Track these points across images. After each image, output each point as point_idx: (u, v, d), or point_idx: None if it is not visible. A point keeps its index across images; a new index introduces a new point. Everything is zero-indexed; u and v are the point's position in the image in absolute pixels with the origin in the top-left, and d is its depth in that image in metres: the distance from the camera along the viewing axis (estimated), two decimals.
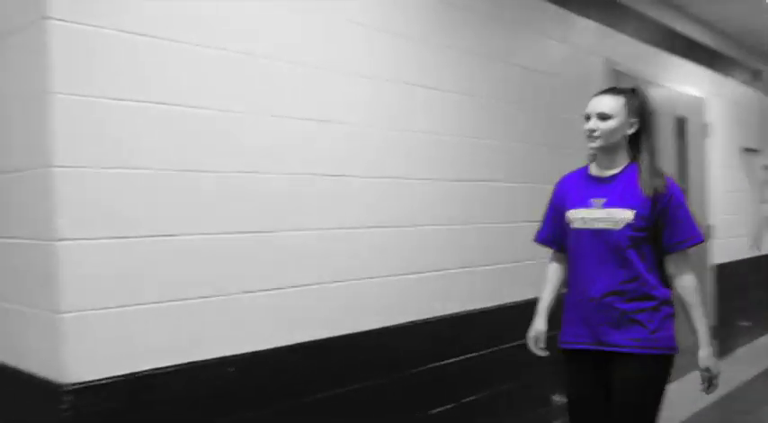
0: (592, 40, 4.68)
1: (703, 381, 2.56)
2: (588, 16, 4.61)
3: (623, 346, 2.52)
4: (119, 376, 2.27)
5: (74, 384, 2.18)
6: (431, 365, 3.40)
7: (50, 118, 2.17)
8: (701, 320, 2.53)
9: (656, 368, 2.52)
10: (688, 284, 2.54)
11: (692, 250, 2.57)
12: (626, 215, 2.51)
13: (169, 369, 2.39)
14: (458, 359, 3.56)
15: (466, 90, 3.64)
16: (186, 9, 2.49)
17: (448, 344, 3.51)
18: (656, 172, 2.54)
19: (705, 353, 2.53)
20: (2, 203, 2.46)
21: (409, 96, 3.32)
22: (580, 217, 2.62)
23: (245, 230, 2.64)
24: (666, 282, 2.57)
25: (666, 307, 2.54)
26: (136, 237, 2.32)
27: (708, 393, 2.59)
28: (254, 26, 2.70)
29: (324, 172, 2.92)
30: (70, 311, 2.17)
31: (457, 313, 3.55)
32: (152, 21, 2.39)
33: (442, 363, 3.46)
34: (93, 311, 2.22)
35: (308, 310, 2.84)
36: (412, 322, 3.31)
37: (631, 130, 2.58)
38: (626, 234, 2.50)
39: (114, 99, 2.29)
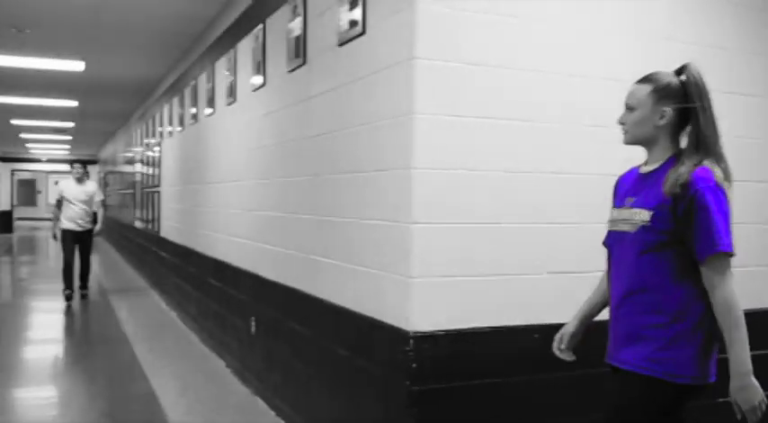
0: None
1: (737, 414, 2.18)
2: None
3: (623, 363, 2.28)
4: (448, 330, 2.97)
5: (416, 333, 2.92)
6: None
7: (413, 132, 2.91)
8: (730, 345, 2.13)
9: (649, 393, 2.20)
10: (717, 302, 2.14)
11: (722, 262, 2.14)
12: (642, 216, 2.24)
13: (486, 329, 3.03)
14: None
15: None
16: (512, 40, 3.09)
17: None
18: (690, 166, 2.18)
19: (734, 384, 2.14)
20: (374, 193, 3.27)
21: None
22: (612, 217, 2.41)
23: (553, 222, 3.19)
24: (704, 296, 2.19)
25: (680, 324, 2.18)
26: (469, 223, 3.00)
27: None
28: (584, 53, 3.22)
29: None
30: (419, 277, 2.90)
31: None
32: (488, 51, 3.03)
33: None
34: (434, 279, 2.94)
35: None
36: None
37: (663, 121, 2.27)
38: (641, 237, 2.23)
39: (457, 116, 2.97)
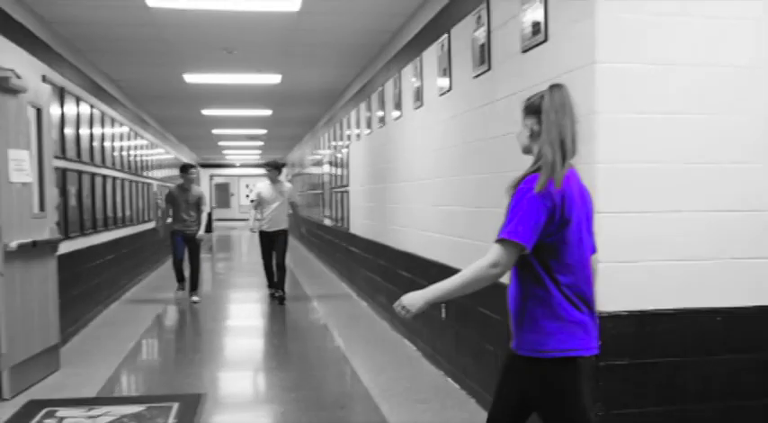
0: None
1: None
2: None
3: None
4: (632, 311, 3.22)
5: (600, 313, 3.17)
6: None
7: (595, 129, 3.19)
8: (446, 281, 2.44)
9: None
10: (474, 263, 2.40)
11: (500, 245, 2.36)
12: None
13: (668, 311, 3.25)
14: None
15: None
16: (685, 39, 3.28)
17: None
18: (526, 173, 2.44)
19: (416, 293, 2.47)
20: None
21: None
22: None
23: (732, 209, 3.33)
24: (554, 281, 2.40)
25: (531, 305, 2.43)
26: (651, 211, 3.24)
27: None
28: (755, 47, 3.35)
29: None
30: (603, 262, 3.17)
31: None
32: (664, 51, 3.24)
33: None
34: (618, 263, 3.20)
35: None
36: None
37: (527, 134, 2.55)
38: None
39: (636, 113, 3.22)
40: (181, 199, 9.38)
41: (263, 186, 9.45)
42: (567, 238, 2.41)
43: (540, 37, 3.74)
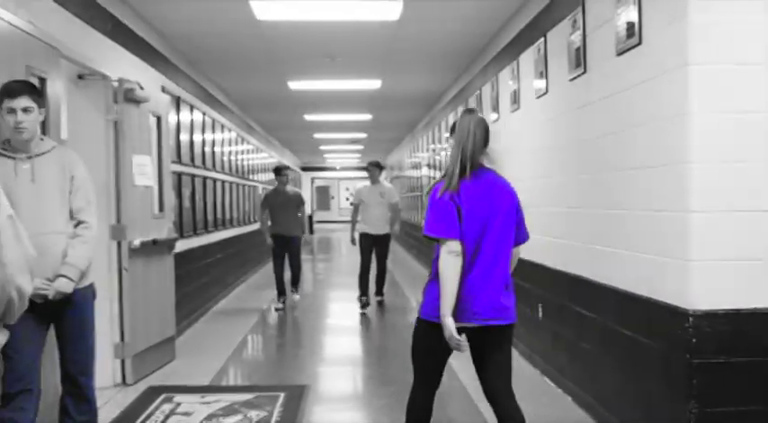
0: None
1: None
2: None
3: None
4: (727, 310, 3.25)
5: (695, 311, 3.24)
6: None
7: (689, 130, 3.26)
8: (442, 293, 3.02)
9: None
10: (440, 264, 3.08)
11: (437, 240, 3.10)
12: None
13: (765, 310, 3.26)
14: None
15: None
16: None
17: None
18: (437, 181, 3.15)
19: None
20: (651, 187, 3.65)
21: None
22: None
23: None
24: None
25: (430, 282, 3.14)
26: (745, 210, 3.27)
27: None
28: None
29: None
30: (697, 261, 3.23)
31: None
32: (754, 51, 3.26)
33: None
34: (712, 262, 3.25)
35: None
36: None
37: (449, 150, 2.98)
38: None
39: (728, 112, 3.26)
40: (276, 201, 9.29)
41: (364, 188, 9.24)
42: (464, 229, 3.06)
43: (634, 40, 3.80)
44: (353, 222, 9.38)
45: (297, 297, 9.85)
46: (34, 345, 3.39)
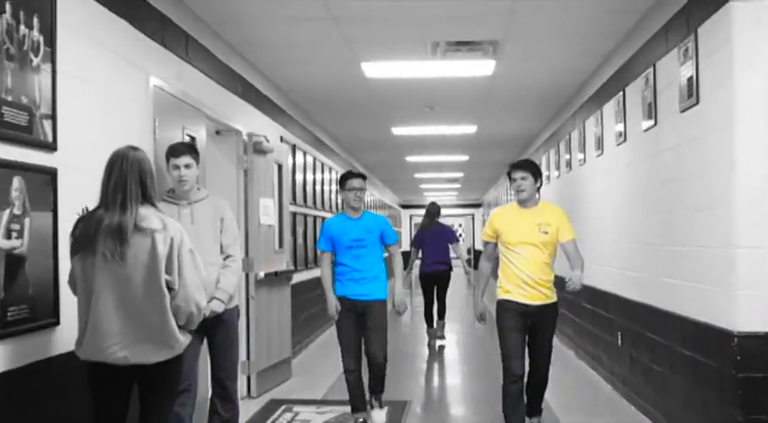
0: None
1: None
2: None
3: None
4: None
5: (740, 332, 3.78)
6: None
7: (733, 179, 3.83)
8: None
9: None
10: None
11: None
12: None
13: None
14: None
15: None
16: None
17: None
18: None
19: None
20: (706, 226, 4.22)
21: None
22: None
23: None
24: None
25: None
26: None
27: None
28: None
29: None
30: (742, 290, 3.77)
31: None
32: None
33: None
34: (755, 291, 3.78)
35: None
36: None
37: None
38: None
39: None
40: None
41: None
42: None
43: (693, 100, 4.39)
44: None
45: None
46: (193, 353, 4.20)
